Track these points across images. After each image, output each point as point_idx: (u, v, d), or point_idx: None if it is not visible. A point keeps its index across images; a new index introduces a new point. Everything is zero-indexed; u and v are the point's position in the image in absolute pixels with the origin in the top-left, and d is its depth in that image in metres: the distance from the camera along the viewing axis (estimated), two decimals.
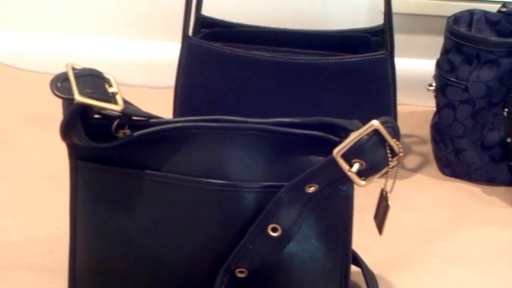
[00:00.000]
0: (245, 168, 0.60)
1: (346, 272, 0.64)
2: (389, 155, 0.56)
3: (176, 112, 0.95)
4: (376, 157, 0.56)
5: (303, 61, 0.90)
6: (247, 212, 0.60)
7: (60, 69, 1.18)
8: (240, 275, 0.61)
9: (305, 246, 0.61)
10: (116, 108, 0.56)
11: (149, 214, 0.61)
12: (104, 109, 0.56)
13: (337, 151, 0.56)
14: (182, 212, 0.61)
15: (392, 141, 0.56)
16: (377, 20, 1.12)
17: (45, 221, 0.85)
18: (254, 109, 0.91)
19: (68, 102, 0.56)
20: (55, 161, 0.95)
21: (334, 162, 0.56)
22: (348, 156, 0.56)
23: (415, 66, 1.17)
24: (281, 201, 0.59)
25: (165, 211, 0.61)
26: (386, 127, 0.55)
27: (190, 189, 0.60)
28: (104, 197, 0.62)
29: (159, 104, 0.87)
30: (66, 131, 0.57)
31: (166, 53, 1.22)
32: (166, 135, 0.60)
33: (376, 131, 0.55)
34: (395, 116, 0.93)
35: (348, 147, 0.55)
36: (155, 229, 0.62)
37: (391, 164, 0.56)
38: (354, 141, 0.55)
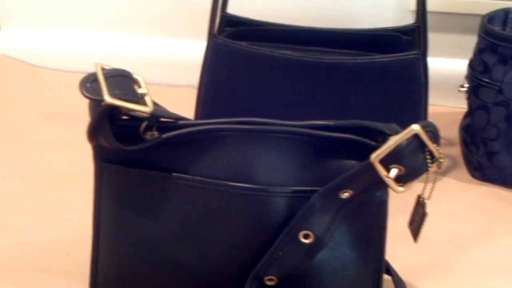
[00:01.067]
0: (275, 172, 0.59)
1: (378, 281, 0.63)
2: (429, 161, 0.55)
3: (199, 112, 0.94)
4: (415, 163, 0.55)
5: (332, 60, 0.89)
6: (277, 218, 0.59)
7: (78, 67, 1.19)
8: (269, 283, 0.60)
9: (336, 254, 0.60)
10: (145, 109, 0.55)
11: (175, 219, 0.61)
12: (133, 110, 0.55)
13: (375, 156, 0.55)
14: (209, 217, 0.60)
15: (432, 146, 0.55)
16: (405, 18, 1.11)
17: (61, 223, 0.85)
18: (280, 110, 0.90)
19: (97, 103, 0.55)
20: (72, 161, 0.96)
21: (371, 167, 0.55)
22: (386, 162, 0.55)
23: (444, 65, 1.16)
24: (313, 207, 0.58)
25: (191, 216, 0.60)
26: (426, 132, 0.54)
27: (217, 193, 0.59)
28: (130, 200, 0.61)
29: (179, 103, 0.86)
30: (94, 132, 0.56)
31: (187, 51, 1.21)
32: (195, 137, 0.59)
33: (416, 136, 0.54)
34: (425, 118, 0.91)
35: (386, 152, 0.54)
36: (181, 234, 0.61)
37: (431, 170, 0.55)
38: (393, 146, 0.54)
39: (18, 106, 1.09)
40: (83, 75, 1.17)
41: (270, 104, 0.91)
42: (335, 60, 0.89)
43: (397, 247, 0.72)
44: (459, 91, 0.96)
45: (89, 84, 0.53)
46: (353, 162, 0.59)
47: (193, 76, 1.02)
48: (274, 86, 0.91)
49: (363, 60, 0.88)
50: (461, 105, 0.98)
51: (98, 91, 0.53)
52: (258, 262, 0.60)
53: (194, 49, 1.18)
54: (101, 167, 0.62)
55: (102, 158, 0.61)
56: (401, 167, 0.55)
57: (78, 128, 1.04)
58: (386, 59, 0.89)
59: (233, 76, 0.92)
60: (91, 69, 1.16)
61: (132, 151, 0.59)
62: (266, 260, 0.59)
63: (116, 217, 0.63)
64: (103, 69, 0.54)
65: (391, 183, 0.55)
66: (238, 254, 0.61)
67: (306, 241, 0.59)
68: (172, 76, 1.21)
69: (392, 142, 0.54)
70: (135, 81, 0.57)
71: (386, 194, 0.60)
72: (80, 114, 1.07)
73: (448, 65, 1.16)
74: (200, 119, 0.82)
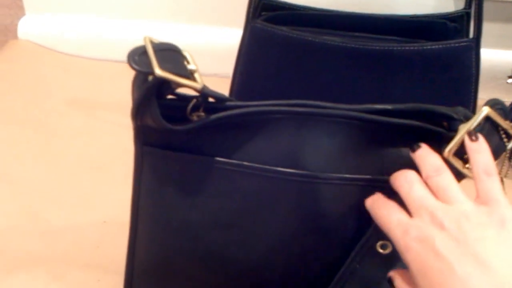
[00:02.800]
0: (329, 158, 0.57)
1: None
2: (505, 139, 0.53)
3: (233, 93, 0.92)
4: (492, 145, 0.52)
5: (377, 47, 0.87)
6: (329, 207, 0.57)
7: (103, 54, 1.17)
8: None
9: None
10: (196, 85, 0.53)
11: (220, 206, 0.58)
12: (183, 86, 0.53)
13: (448, 151, 0.53)
14: (256, 205, 0.58)
15: (505, 124, 0.53)
16: (445, 4, 1.08)
17: (90, 214, 0.83)
18: (321, 100, 0.88)
19: (143, 78, 0.53)
20: (99, 150, 0.94)
21: (447, 161, 0.53)
22: (460, 154, 0.53)
23: (490, 56, 1.13)
24: None
25: (237, 204, 0.58)
26: (496, 110, 0.53)
27: (266, 179, 0.57)
28: (172, 186, 0.59)
29: None
30: (140, 109, 0.54)
31: (214, 39, 1.19)
32: (244, 119, 0.57)
33: (487, 118, 0.52)
34: (474, 110, 0.89)
35: (459, 143, 0.52)
36: (226, 223, 0.59)
37: (508, 147, 0.53)
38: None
39: (43, 93, 1.08)
40: (108, 63, 1.16)
41: (310, 93, 0.88)
42: (382, 47, 0.87)
43: None
44: (507, 83, 0.94)
45: (137, 56, 0.51)
46: None
47: (221, 65, 1.00)
48: (314, 74, 0.89)
49: (412, 48, 0.86)
50: (510, 98, 0.96)
51: (147, 64, 0.51)
52: (311, 260, 0.58)
53: (221, 37, 1.16)
54: (142, 151, 0.59)
55: (144, 141, 0.59)
56: None
57: (104, 117, 1.04)
58: (436, 46, 0.86)
59: (270, 63, 0.90)
60: (116, 57, 1.16)
61: (176, 133, 0.56)
62: (343, 275, 0.57)
63: (157, 204, 0.60)
64: (152, 42, 0.52)
65: (470, 173, 0.53)
66: (286, 247, 0.58)
67: (384, 251, 0.56)
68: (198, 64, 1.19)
69: (464, 130, 0.52)
70: (184, 57, 0.55)
71: None
72: (106, 102, 1.08)
73: (495, 56, 1.13)
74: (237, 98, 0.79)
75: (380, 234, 0.55)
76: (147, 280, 0.63)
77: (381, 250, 0.56)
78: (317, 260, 0.58)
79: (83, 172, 0.91)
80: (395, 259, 0.57)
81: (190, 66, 0.54)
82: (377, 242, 0.56)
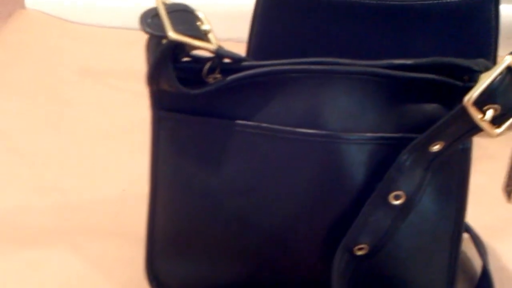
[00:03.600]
0: (349, 117, 0.56)
1: (458, 237, 0.61)
2: None
3: (251, 52, 0.90)
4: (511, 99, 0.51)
5: (397, 3, 0.85)
6: (351, 168, 0.57)
7: (112, 22, 1.16)
8: (359, 253, 0.58)
9: (417, 208, 0.58)
10: (210, 47, 0.53)
11: (240, 170, 0.58)
12: (198, 48, 0.52)
13: (468, 99, 0.51)
14: (277, 168, 0.58)
15: None
16: None
17: (108, 183, 0.84)
18: (339, 57, 0.86)
19: (157, 41, 0.52)
20: (112, 118, 0.94)
21: (464, 112, 0.52)
22: (479, 103, 0.51)
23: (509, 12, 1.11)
24: (403, 165, 0.55)
25: (257, 166, 0.58)
26: None
27: (286, 141, 0.57)
28: (190, 151, 0.59)
29: None
30: (155, 73, 0.54)
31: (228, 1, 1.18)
32: (261, 80, 0.56)
33: (509, 69, 0.51)
34: (494, 64, 0.88)
35: (480, 92, 0.51)
36: (246, 187, 0.58)
37: None
38: (486, 84, 0.51)
39: (54, 63, 1.08)
40: (117, 30, 1.16)
41: (328, 51, 0.87)
42: (401, 3, 0.85)
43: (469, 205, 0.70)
44: None
45: (150, 19, 0.51)
46: (434, 105, 0.56)
47: (235, 29, 0.99)
48: (332, 32, 0.87)
49: (431, 2, 0.85)
50: None
51: (161, 27, 0.51)
52: (334, 221, 0.58)
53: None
54: (158, 116, 0.59)
55: (160, 106, 0.59)
56: (496, 106, 0.51)
57: (117, 85, 1.04)
58: (455, 0, 0.85)
59: (287, 22, 0.89)
60: (125, 24, 1.15)
61: (193, 97, 0.56)
62: (356, 227, 0.57)
63: (175, 170, 0.60)
64: (164, 3, 0.52)
65: (487, 126, 0.52)
66: (309, 209, 0.58)
67: (397, 202, 0.56)
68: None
69: (485, 80, 0.51)
70: (197, 17, 0.54)
71: (470, 141, 0.58)
72: (118, 70, 1.07)
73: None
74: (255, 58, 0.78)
75: (394, 185, 0.55)
76: (168, 248, 0.64)
77: (394, 201, 0.56)
78: (338, 219, 0.58)
79: (98, 142, 0.91)
80: (408, 210, 0.57)
81: (204, 27, 0.54)
82: (390, 193, 0.56)
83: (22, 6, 1.20)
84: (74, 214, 0.78)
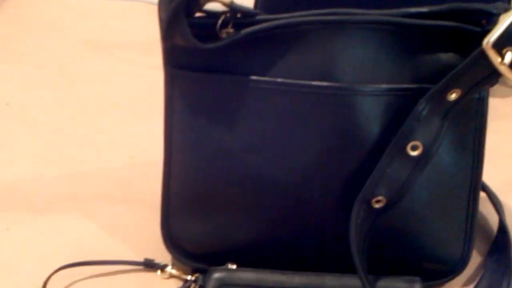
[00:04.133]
0: (364, 68, 0.56)
1: (475, 193, 0.61)
2: None
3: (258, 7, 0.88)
4: None
5: None
6: (367, 120, 0.57)
7: None
8: (377, 205, 0.58)
9: (432, 160, 0.58)
10: (224, 0, 0.53)
11: (255, 127, 0.58)
12: (211, 0, 0.52)
13: (487, 41, 0.51)
14: (291, 123, 0.57)
15: None
16: None
17: (117, 151, 0.84)
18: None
19: None
20: (119, 89, 0.95)
21: (483, 55, 0.51)
22: (499, 46, 0.51)
23: None
24: (420, 114, 0.55)
25: (271, 123, 0.58)
26: None
27: (301, 95, 0.57)
28: (204, 109, 0.59)
29: None
30: (169, 29, 0.54)
31: None
32: (275, 33, 0.56)
33: None
34: None
35: (499, 34, 0.50)
36: (262, 144, 0.58)
37: None
38: (506, 25, 0.50)
39: (58, 36, 1.08)
40: (120, 2, 1.15)
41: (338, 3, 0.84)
42: None
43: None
44: None
45: None
46: (451, 54, 0.56)
47: None
48: None
49: None
50: None
51: None
52: (351, 174, 0.58)
53: None
54: (171, 74, 0.59)
55: (173, 63, 0.58)
56: None
57: (122, 56, 1.04)
58: None
59: None
60: None
61: (206, 52, 0.56)
62: (373, 179, 0.56)
63: (190, 130, 0.60)
64: None
65: (506, 70, 0.51)
66: (325, 164, 0.58)
67: (415, 153, 0.56)
68: None
69: (504, 21, 0.50)
70: None
71: (486, 90, 0.57)
72: (122, 42, 1.07)
73: None
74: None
75: (411, 136, 0.55)
76: (183, 209, 0.64)
77: (411, 152, 0.56)
78: (354, 173, 0.58)
79: (105, 112, 0.92)
80: (425, 161, 0.57)
81: None
82: (407, 144, 0.56)
83: None
84: (86, 182, 0.78)
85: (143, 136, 0.86)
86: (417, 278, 0.60)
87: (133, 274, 0.66)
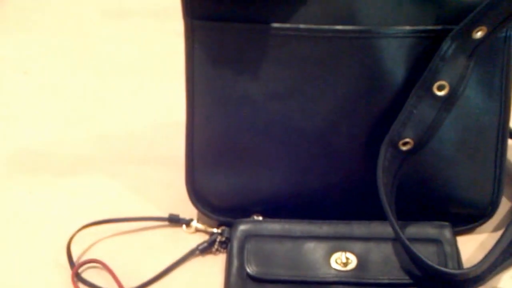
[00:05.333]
0: (386, 9, 0.55)
1: (504, 133, 0.60)
2: None
3: None
4: None
5: None
6: (393, 63, 0.56)
7: None
8: (404, 148, 0.57)
9: (458, 101, 0.57)
10: None
11: (279, 75, 0.58)
12: None
13: None
14: (316, 69, 0.57)
15: None
16: None
17: (138, 114, 0.84)
18: None
19: None
20: (139, 55, 0.95)
21: None
22: None
23: None
24: (445, 53, 0.54)
25: (295, 70, 0.57)
26: None
27: (324, 40, 0.56)
28: (226, 60, 0.59)
29: None
30: None
31: None
32: None
33: None
34: None
35: None
36: (285, 92, 0.58)
37: None
38: None
39: (74, 5, 1.08)
40: None
41: None
42: None
43: None
44: None
45: None
46: None
47: None
48: None
49: None
50: None
51: None
52: (378, 118, 0.58)
53: None
54: (192, 26, 0.59)
55: (194, 14, 0.58)
56: None
57: (139, 22, 1.04)
58: None
59: None
60: None
61: (226, 2, 0.56)
62: (399, 121, 0.56)
63: (212, 81, 0.60)
64: None
65: None
66: (352, 108, 0.58)
67: (441, 93, 0.56)
68: None
69: None
70: None
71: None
72: (140, 8, 1.07)
73: None
74: None
75: (437, 75, 0.55)
76: (208, 164, 0.64)
77: (437, 92, 0.56)
78: (380, 117, 0.58)
79: (124, 75, 0.92)
80: (452, 101, 0.56)
81: None
82: (433, 83, 0.55)
83: None
84: (109, 144, 0.79)
85: (164, 98, 0.86)
86: (447, 223, 0.59)
87: (158, 230, 0.66)
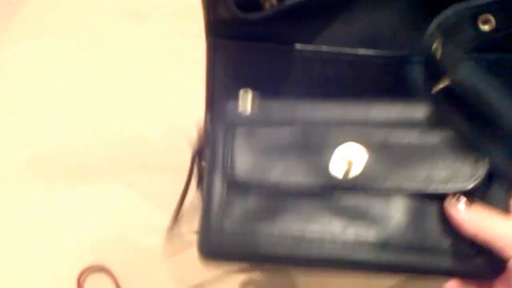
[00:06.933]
0: (411, 36, 0.55)
1: None
2: None
3: None
4: None
5: None
6: (415, 88, 0.56)
7: None
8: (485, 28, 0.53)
9: None
10: None
11: (299, 96, 0.58)
12: None
13: None
14: (337, 92, 0.57)
15: None
16: None
17: (156, 120, 0.85)
18: None
19: None
20: (156, 58, 0.96)
21: None
22: None
23: None
24: None
25: (317, 91, 0.58)
26: None
27: (346, 63, 0.57)
28: (248, 79, 0.59)
29: None
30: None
31: None
32: (319, 2, 0.56)
33: None
34: None
35: None
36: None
37: None
38: None
39: (92, 6, 1.09)
40: None
41: None
42: None
43: None
44: None
45: None
46: None
47: None
48: None
49: None
50: None
51: None
52: None
53: None
54: (214, 44, 0.59)
55: (216, 34, 0.59)
56: None
57: (159, 24, 1.04)
58: None
59: None
60: None
61: (250, 23, 0.57)
62: None
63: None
64: None
65: None
66: None
67: (486, 27, 0.52)
68: None
69: None
70: None
71: None
72: (158, 11, 1.07)
73: None
74: None
75: (483, 7, 0.51)
76: None
77: (482, 26, 0.53)
78: None
79: (143, 79, 0.92)
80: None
81: None
82: (479, 16, 0.52)
83: None
84: (126, 149, 0.80)
85: (182, 106, 0.87)
86: None
87: None
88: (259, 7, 0.56)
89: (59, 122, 0.85)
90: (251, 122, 0.56)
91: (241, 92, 0.58)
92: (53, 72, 0.95)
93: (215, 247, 0.55)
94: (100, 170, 0.77)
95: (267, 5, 0.56)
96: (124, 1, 1.10)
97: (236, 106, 0.58)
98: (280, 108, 0.57)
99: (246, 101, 0.58)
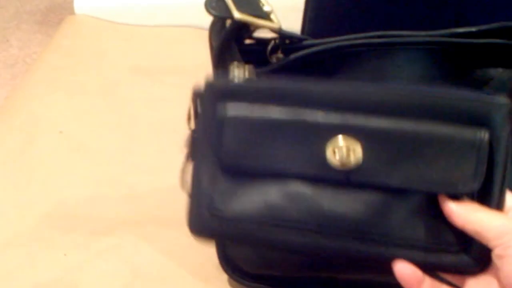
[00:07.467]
0: None
1: None
2: None
3: (307, 29, 0.90)
4: None
5: None
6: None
7: (162, 20, 1.19)
8: None
9: None
10: (274, 26, 0.55)
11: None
12: (262, 27, 0.55)
13: None
14: None
15: None
16: None
17: (172, 176, 0.86)
18: (406, 20, 0.83)
19: (221, 24, 0.55)
20: (169, 114, 0.97)
21: None
22: None
23: None
24: None
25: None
26: None
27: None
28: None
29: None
30: (221, 56, 0.56)
31: None
32: (324, 57, 0.58)
33: None
34: None
35: None
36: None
37: None
38: None
39: (108, 64, 1.11)
40: (164, 28, 1.17)
41: (386, 23, 0.85)
42: None
43: None
44: None
45: (214, 3, 0.54)
46: (500, 70, 0.57)
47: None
48: (387, 2, 0.86)
49: None
50: None
51: (225, 9, 0.53)
52: None
53: None
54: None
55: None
56: None
57: (171, 81, 1.07)
58: None
59: (338, 5, 0.89)
60: (174, 22, 1.16)
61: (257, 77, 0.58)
62: None
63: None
64: None
65: None
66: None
67: None
68: None
69: None
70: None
71: None
72: (170, 67, 1.10)
73: None
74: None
75: None
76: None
77: None
78: None
79: (157, 137, 0.94)
80: None
81: (266, 8, 0.56)
82: None
83: (71, 12, 1.24)
84: (142, 206, 0.81)
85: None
86: None
87: None
88: (265, 61, 0.58)
89: (75, 179, 0.86)
90: (241, 93, 0.53)
91: (235, 63, 0.56)
92: (70, 129, 0.96)
93: (204, 223, 0.55)
94: (117, 226, 0.78)
95: (273, 59, 0.59)
96: (138, 59, 1.13)
97: (227, 75, 0.56)
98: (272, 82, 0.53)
99: (238, 72, 0.56)
